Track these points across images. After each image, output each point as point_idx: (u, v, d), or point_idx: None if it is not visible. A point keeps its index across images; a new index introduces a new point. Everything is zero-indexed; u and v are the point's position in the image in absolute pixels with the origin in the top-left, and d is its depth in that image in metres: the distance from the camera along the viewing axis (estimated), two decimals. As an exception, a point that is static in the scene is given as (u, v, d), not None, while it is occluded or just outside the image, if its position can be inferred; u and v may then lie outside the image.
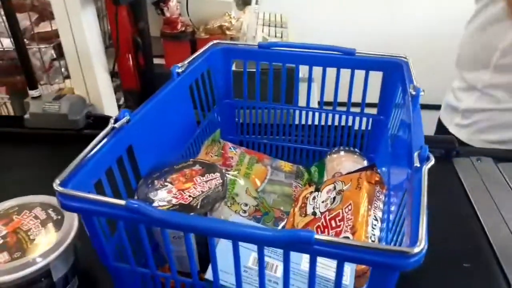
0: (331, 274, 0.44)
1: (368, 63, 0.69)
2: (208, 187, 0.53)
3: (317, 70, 0.72)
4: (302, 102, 0.76)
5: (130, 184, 0.53)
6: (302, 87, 0.75)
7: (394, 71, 0.68)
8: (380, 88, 0.71)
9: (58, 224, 0.58)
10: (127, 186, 0.51)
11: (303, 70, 0.75)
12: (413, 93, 0.56)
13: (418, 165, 0.42)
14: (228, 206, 0.63)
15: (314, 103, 0.79)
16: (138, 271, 0.45)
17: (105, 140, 0.48)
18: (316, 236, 0.33)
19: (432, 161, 0.42)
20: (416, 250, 0.33)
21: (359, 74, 0.70)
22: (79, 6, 0.90)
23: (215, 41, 0.75)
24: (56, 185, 0.40)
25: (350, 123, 0.74)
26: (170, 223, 0.37)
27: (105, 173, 0.47)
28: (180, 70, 0.64)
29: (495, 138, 0.99)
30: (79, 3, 0.90)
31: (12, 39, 0.94)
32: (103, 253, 0.45)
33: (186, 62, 0.66)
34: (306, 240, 0.33)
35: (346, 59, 0.70)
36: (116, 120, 0.50)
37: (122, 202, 0.37)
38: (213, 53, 0.73)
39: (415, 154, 0.44)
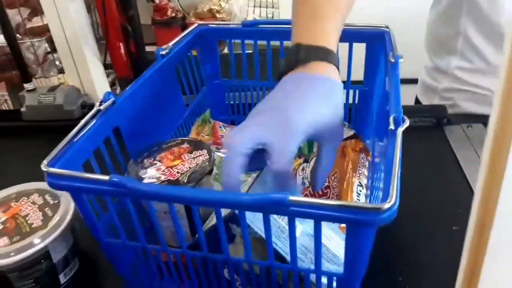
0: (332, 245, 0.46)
1: (351, 35, 0.69)
2: (196, 163, 0.55)
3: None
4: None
5: (120, 164, 0.54)
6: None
7: (377, 42, 0.68)
8: (364, 60, 0.72)
9: (55, 208, 0.60)
10: (116, 166, 0.53)
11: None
12: (392, 60, 0.56)
13: (393, 128, 0.43)
14: (220, 183, 0.64)
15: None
16: (129, 245, 0.46)
17: (92, 122, 0.50)
18: (291, 198, 0.35)
19: (406, 123, 0.43)
20: (387, 205, 0.34)
21: (344, 46, 0.71)
22: (66, -4, 0.91)
23: (199, 23, 0.75)
24: (44, 166, 0.42)
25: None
26: (151, 194, 0.38)
27: (93, 154, 0.49)
28: (164, 52, 0.65)
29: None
30: (66, -7, 0.91)
31: (3, 34, 0.95)
32: (95, 230, 0.46)
33: (170, 44, 0.67)
34: (281, 202, 0.35)
35: (329, 32, 0.70)
36: (101, 103, 0.52)
37: (105, 177, 0.39)
38: (198, 34, 0.74)
39: (391, 118, 0.45)
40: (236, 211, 0.39)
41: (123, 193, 0.39)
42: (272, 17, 1.36)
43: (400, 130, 0.43)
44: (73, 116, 0.96)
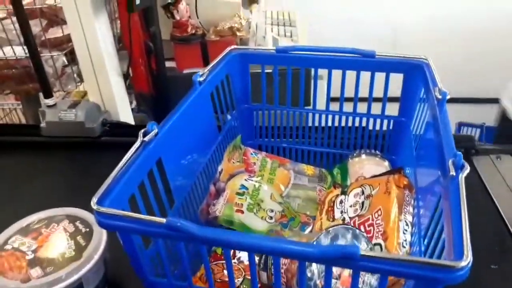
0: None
1: (389, 65, 0.69)
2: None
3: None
4: (320, 103, 0.76)
5: (161, 197, 0.53)
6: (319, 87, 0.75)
7: (415, 73, 0.67)
8: (401, 90, 0.71)
9: (87, 237, 0.58)
10: (158, 200, 0.52)
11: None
12: (439, 96, 0.55)
13: (454, 174, 0.42)
14: (254, 213, 0.63)
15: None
16: (176, 285, 0.45)
17: (135, 154, 0.48)
18: (362, 252, 0.33)
19: (467, 169, 0.42)
20: (463, 264, 0.33)
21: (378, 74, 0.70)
22: (91, 10, 0.90)
23: (232, 47, 0.74)
24: (93, 204, 0.40)
25: (371, 125, 0.74)
26: (212, 240, 0.37)
27: (138, 188, 0.47)
28: (201, 79, 0.64)
29: None
30: (91, 7, 0.90)
31: (25, 47, 0.94)
32: (141, 269, 0.45)
33: (206, 70, 0.66)
34: (351, 256, 0.34)
35: (366, 61, 0.69)
36: (145, 134, 0.50)
37: (162, 220, 0.38)
38: (231, 59, 0.73)
39: (450, 162, 0.43)
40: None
41: (180, 237, 0.37)
42: (291, 36, 1.36)
43: (462, 176, 0.41)
44: (94, 133, 0.94)
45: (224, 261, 0.56)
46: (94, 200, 0.41)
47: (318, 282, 0.45)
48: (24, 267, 0.55)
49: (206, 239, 0.36)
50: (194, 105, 0.61)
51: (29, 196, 0.82)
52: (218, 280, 0.54)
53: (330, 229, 0.47)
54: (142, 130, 0.50)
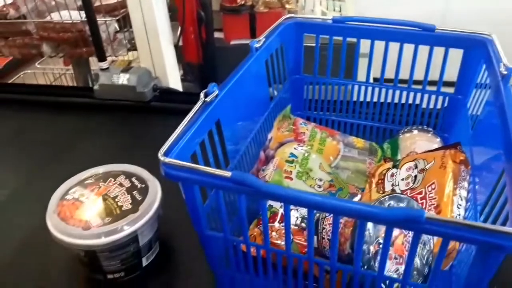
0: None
1: (448, 40, 0.67)
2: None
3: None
4: (371, 78, 0.76)
5: (218, 156, 0.54)
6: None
7: (476, 49, 0.65)
8: (459, 66, 0.69)
9: (143, 192, 0.61)
10: (216, 160, 0.53)
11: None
12: (504, 72, 0.54)
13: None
14: (303, 181, 0.64)
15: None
16: (232, 240, 0.46)
17: (197, 113, 0.49)
18: (427, 215, 0.34)
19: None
20: (530, 232, 0.32)
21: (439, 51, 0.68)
22: (148, -21, 0.91)
23: (287, 15, 0.74)
24: (160, 155, 0.42)
25: (425, 102, 0.72)
26: (276, 195, 0.38)
27: (199, 146, 0.49)
28: (258, 45, 0.64)
29: None
30: (148, -24, 0.91)
31: (82, 12, 0.96)
32: (199, 222, 0.46)
33: (262, 37, 0.66)
34: (417, 219, 0.34)
35: (425, 35, 0.68)
36: (206, 94, 0.51)
37: (228, 173, 0.39)
38: (286, 27, 0.73)
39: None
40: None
41: (244, 190, 0.39)
42: (340, 10, 1.33)
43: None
44: (145, 98, 0.97)
45: (271, 224, 0.57)
46: (161, 152, 0.42)
47: (371, 247, 0.45)
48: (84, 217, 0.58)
49: (271, 193, 0.37)
50: (250, 71, 0.62)
51: (83, 153, 0.86)
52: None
53: (386, 197, 0.47)
54: (204, 91, 0.52)
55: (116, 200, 0.60)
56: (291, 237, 0.56)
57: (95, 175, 0.65)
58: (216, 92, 0.52)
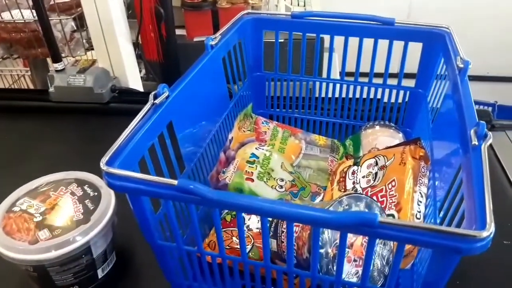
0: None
1: (408, 34, 0.66)
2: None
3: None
4: (334, 74, 0.74)
5: (171, 162, 0.52)
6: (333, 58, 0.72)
7: (435, 42, 0.65)
8: (419, 60, 0.68)
9: (95, 201, 0.58)
10: (168, 165, 0.51)
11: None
12: (461, 66, 0.53)
13: (476, 143, 0.40)
14: (264, 182, 0.62)
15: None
16: (185, 249, 0.44)
17: (146, 116, 0.47)
18: (380, 219, 0.32)
19: (490, 139, 0.41)
20: (485, 234, 0.32)
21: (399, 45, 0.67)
22: (102, -25, 0.87)
23: (245, 11, 0.72)
24: (103, 165, 0.39)
25: (386, 96, 0.71)
26: (224, 203, 0.36)
27: (148, 151, 0.46)
28: (213, 43, 0.62)
29: None
30: (101, -29, 0.87)
31: (34, 10, 0.92)
32: (149, 233, 0.44)
33: (218, 34, 0.64)
34: (370, 223, 0.32)
35: (384, 29, 0.67)
36: (155, 96, 0.49)
37: (173, 181, 0.36)
38: (244, 24, 0.71)
39: (472, 131, 0.42)
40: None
41: (191, 200, 0.36)
42: (304, 5, 1.32)
43: (485, 146, 0.40)
44: (103, 99, 0.93)
45: (233, 228, 0.55)
46: (103, 161, 0.40)
47: (330, 250, 0.44)
48: (32, 229, 0.54)
49: (220, 202, 0.35)
50: (205, 70, 0.59)
51: (37, 160, 0.82)
52: (227, 247, 0.53)
53: (344, 197, 0.46)
54: (153, 92, 0.49)
55: (67, 210, 0.57)
56: (252, 241, 0.54)
57: (46, 184, 0.62)
58: (167, 93, 0.50)
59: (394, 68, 0.69)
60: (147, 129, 0.46)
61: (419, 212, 0.51)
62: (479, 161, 0.38)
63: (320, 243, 0.43)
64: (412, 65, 0.69)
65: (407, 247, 0.48)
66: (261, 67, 0.76)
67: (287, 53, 0.72)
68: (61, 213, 0.56)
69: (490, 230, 0.32)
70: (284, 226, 0.49)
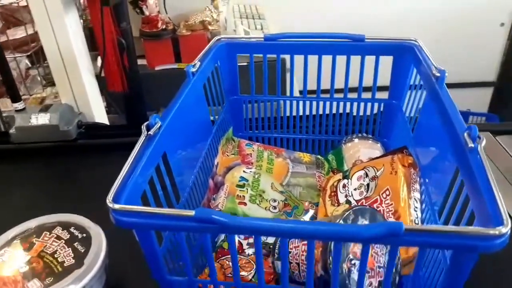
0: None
1: (378, 48, 0.69)
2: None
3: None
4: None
5: (167, 191, 0.50)
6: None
7: (405, 54, 0.68)
8: (391, 73, 0.71)
9: (86, 243, 0.55)
10: (166, 196, 0.49)
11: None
12: (438, 75, 0.56)
13: (473, 145, 0.42)
14: (257, 204, 0.62)
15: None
16: (197, 282, 0.43)
17: (141, 149, 0.45)
18: (406, 227, 0.33)
19: (484, 140, 0.43)
20: (504, 230, 0.33)
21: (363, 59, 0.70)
22: (61, 7, 0.85)
23: (219, 36, 0.72)
24: (109, 202, 0.38)
25: (361, 109, 0.74)
26: (246, 228, 0.35)
27: (148, 184, 0.44)
28: (194, 70, 0.61)
29: None
30: (61, 3, 0.85)
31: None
32: (157, 267, 0.42)
33: (197, 60, 0.64)
34: (396, 232, 0.33)
35: (355, 45, 0.69)
36: (148, 127, 0.48)
37: (190, 212, 0.35)
38: (219, 49, 0.71)
39: (465, 135, 0.44)
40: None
41: (210, 229, 0.35)
42: (262, 28, 1.34)
43: (481, 146, 0.42)
44: (70, 136, 0.89)
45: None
46: (109, 198, 0.38)
47: (344, 265, 0.44)
48: (19, 281, 0.50)
49: (243, 227, 0.34)
50: (189, 97, 0.59)
51: (5, 209, 0.76)
52: (229, 275, 0.52)
53: (349, 211, 0.46)
54: (145, 124, 0.48)
55: (56, 256, 0.53)
56: (254, 266, 0.53)
57: (26, 231, 0.58)
58: (159, 123, 0.49)
59: (367, 81, 0.71)
60: (145, 162, 0.44)
61: (417, 217, 0.53)
62: (480, 161, 0.40)
63: (330, 259, 0.43)
64: (385, 78, 0.72)
65: (410, 253, 0.49)
66: (237, 91, 0.76)
67: (263, 74, 0.73)
68: (50, 259, 0.53)
69: (508, 225, 0.33)
70: (291, 246, 0.49)
